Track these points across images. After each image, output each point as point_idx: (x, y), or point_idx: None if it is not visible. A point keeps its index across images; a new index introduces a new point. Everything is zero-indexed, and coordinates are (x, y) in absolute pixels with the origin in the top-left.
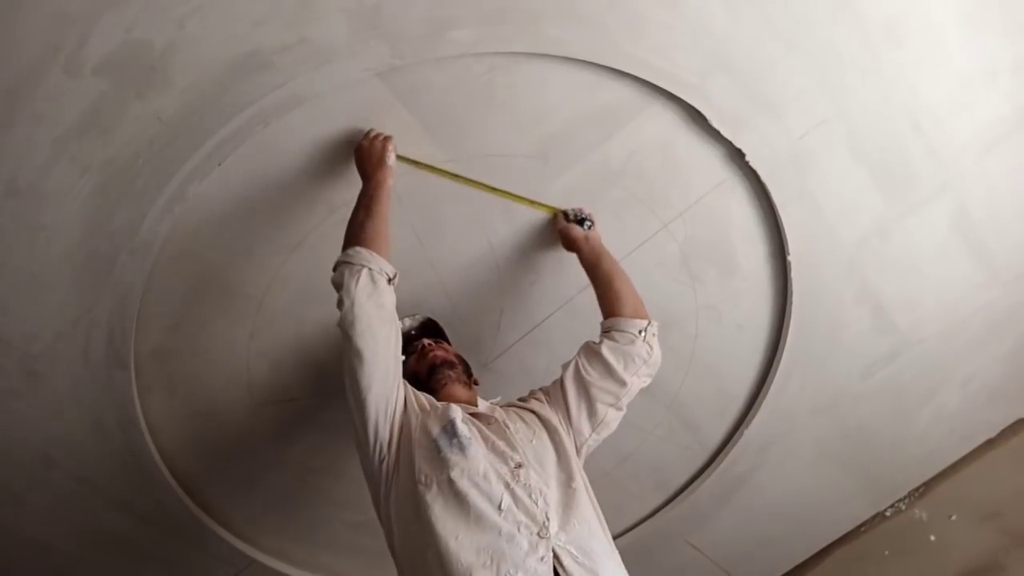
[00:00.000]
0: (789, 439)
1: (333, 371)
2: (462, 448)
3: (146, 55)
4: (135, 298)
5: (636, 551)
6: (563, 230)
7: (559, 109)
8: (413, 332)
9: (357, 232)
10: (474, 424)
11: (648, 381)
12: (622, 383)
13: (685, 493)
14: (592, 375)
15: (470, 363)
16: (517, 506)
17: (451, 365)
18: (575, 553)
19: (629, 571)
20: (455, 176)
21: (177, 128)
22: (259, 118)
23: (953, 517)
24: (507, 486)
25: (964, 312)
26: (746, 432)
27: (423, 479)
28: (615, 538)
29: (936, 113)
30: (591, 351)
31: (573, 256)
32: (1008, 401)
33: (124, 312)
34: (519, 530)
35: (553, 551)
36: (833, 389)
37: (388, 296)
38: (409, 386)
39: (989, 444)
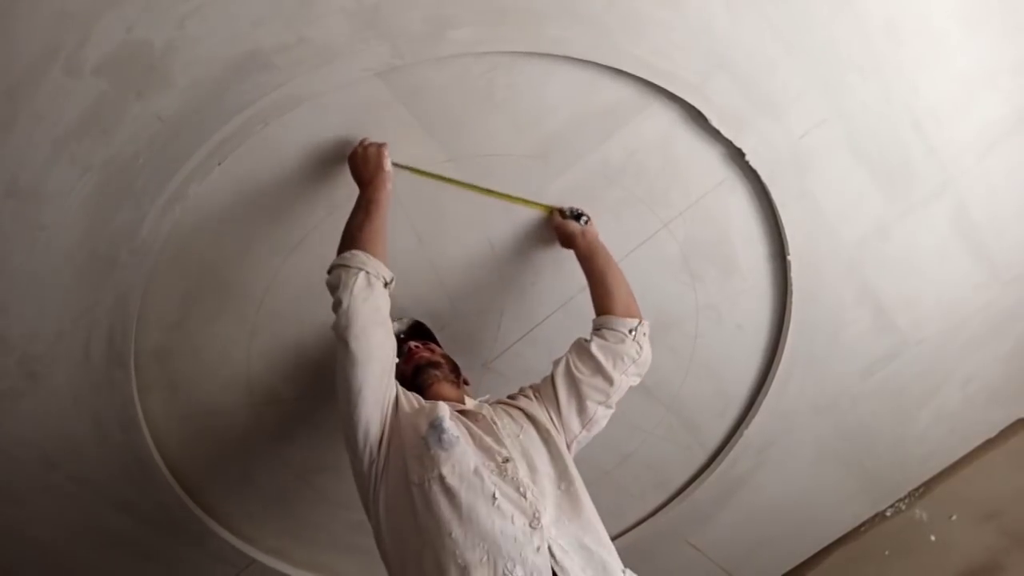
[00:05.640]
0: (789, 439)
1: (332, 371)
2: (450, 445)
3: (146, 55)
4: (135, 298)
5: (636, 551)
6: (559, 226)
7: (559, 109)
8: (402, 335)
9: (355, 235)
10: (462, 421)
11: (637, 380)
12: (610, 381)
13: (685, 493)
14: (583, 372)
15: (471, 363)
16: (507, 500)
17: (436, 365)
18: (566, 547)
19: None
20: (450, 180)
21: (177, 128)
22: (259, 118)
23: (953, 517)
24: (495, 482)
25: (964, 312)
26: (746, 432)
27: (415, 479)
28: (615, 538)
29: (936, 113)
30: (582, 348)
31: (573, 256)
32: (1008, 401)
33: (124, 312)
34: (512, 522)
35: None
36: (833, 389)
37: (383, 300)
38: (400, 387)
39: (989, 444)
